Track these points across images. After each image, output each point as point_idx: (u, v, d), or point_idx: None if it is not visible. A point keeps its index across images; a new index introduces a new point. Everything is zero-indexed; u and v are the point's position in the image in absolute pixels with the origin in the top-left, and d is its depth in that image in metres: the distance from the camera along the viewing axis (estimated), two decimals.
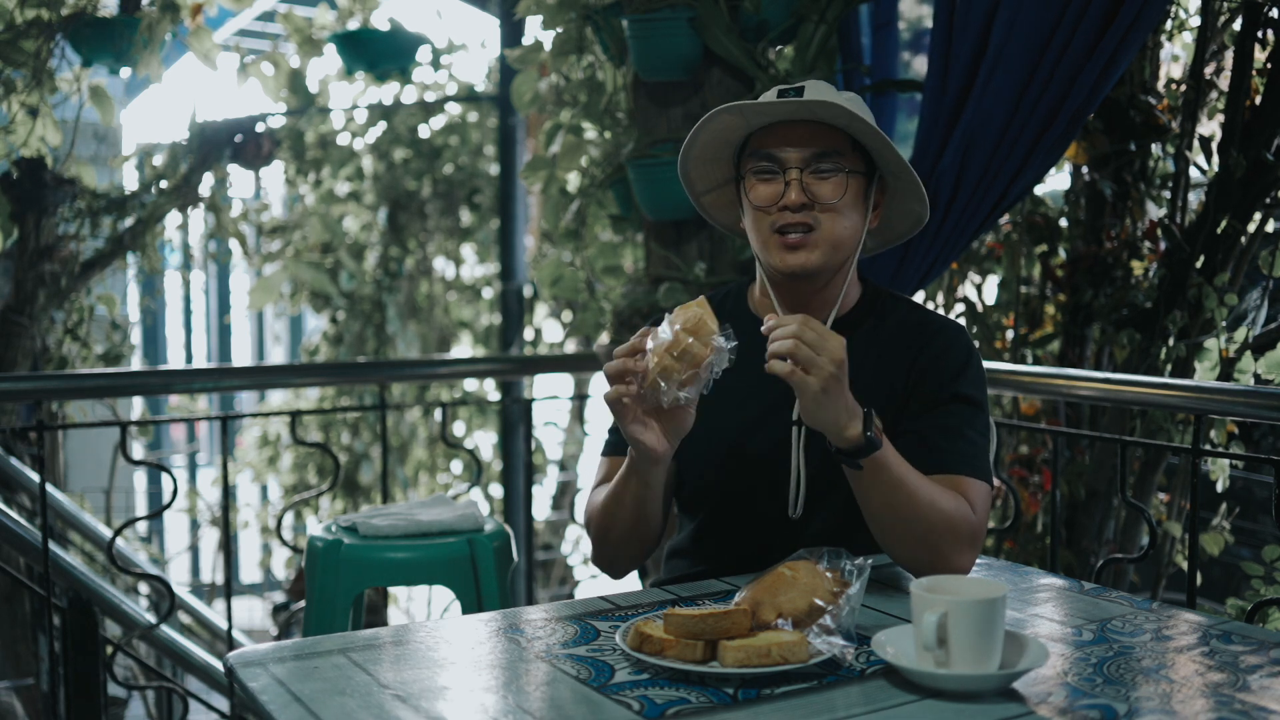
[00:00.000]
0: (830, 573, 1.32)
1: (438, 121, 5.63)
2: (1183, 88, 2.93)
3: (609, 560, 1.66)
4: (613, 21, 2.81)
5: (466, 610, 2.09)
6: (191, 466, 7.65)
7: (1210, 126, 2.90)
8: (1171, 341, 2.79)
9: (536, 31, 3.43)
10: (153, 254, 4.06)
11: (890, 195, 1.66)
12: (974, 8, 2.47)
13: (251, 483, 5.93)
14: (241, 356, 8.18)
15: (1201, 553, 2.82)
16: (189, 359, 7.63)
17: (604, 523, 1.61)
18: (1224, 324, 2.69)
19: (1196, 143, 2.84)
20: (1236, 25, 2.76)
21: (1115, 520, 2.95)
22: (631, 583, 3.78)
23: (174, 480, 2.73)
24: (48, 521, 2.88)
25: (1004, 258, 3.21)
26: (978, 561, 1.71)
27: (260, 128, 4.25)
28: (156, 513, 2.97)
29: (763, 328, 1.39)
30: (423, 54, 4.72)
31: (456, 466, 5.72)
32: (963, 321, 3.24)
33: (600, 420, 5.82)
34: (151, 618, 3.12)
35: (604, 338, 2.96)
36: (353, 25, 4.98)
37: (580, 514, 5.35)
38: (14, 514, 3.01)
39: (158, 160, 4.26)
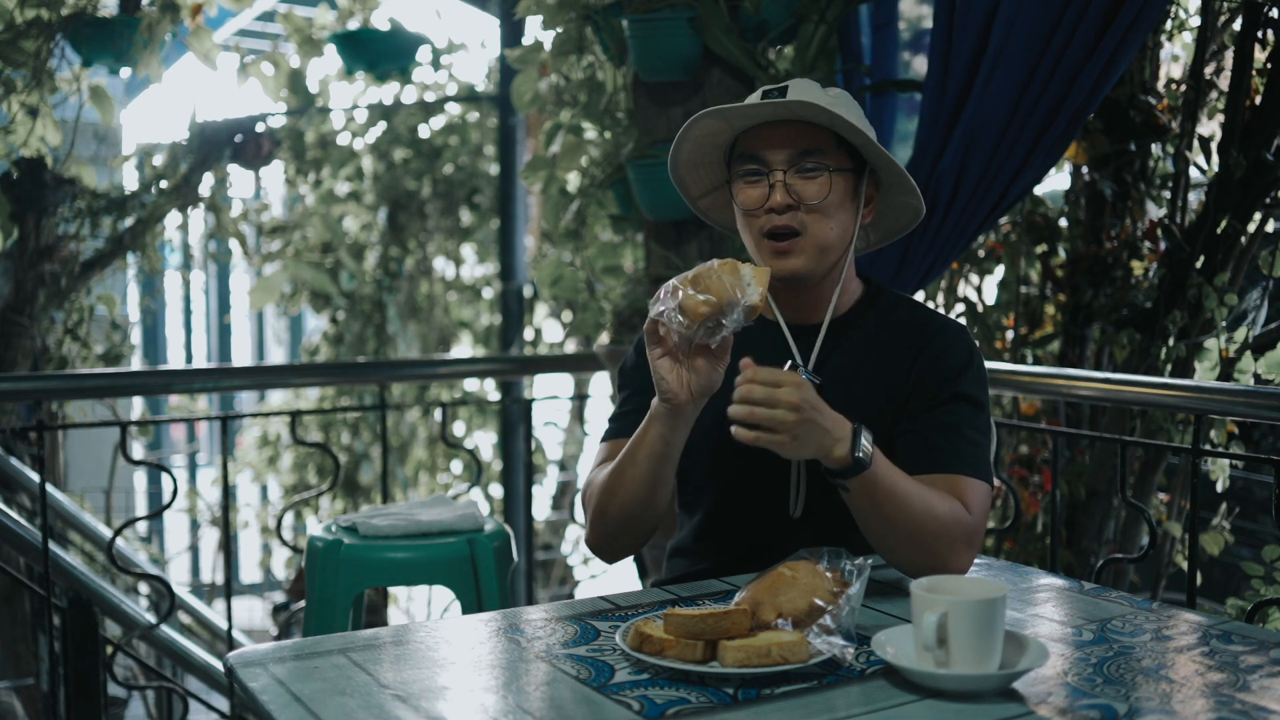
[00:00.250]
0: (830, 573, 1.32)
1: (438, 121, 5.63)
2: (1183, 88, 2.93)
3: (606, 537, 1.61)
4: (613, 21, 2.81)
5: (466, 610, 2.09)
6: (191, 466, 7.65)
7: (1210, 126, 2.90)
8: (1171, 341, 2.79)
9: (536, 31, 3.43)
10: (153, 254, 4.06)
11: (883, 190, 1.66)
12: (974, 8, 2.47)
13: (251, 483, 5.93)
14: (241, 356, 8.18)
15: (1201, 553, 2.82)
16: (189, 359, 7.63)
17: (608, 493, 1.56)
18: (1224, 324, 2.69)
19: (1196, 143, 2.84)
20: (1236, 25, 2.76)
21: (1115, 520, 2.95)
22: (631, 583, 3.78)
23: (174, 480, 2.73)
24: (48, 521, 2.88)
25: (1004, 258, 3.21)
26: (977, 561, 1.71)
27: (260, 128, 4.26)
28: (156, 513, 2.97)
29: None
30: (423, 54, 4.72)
31: (456, 466, 5.72)
32: (963, 321, 3.24)
33: (601, 419, 5.83)
34: (151, 618, 3.12)
35: (604, 338, 2.96)
36: (353, 25, 4.98)
37: (580, 514, 5.37)
38: (14, 514, 3.01)
39: (158, 160, 4.26)
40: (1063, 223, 3.15)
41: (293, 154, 5.43)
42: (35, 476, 3.33)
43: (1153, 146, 2.98)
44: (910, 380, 1.60)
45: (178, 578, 6.41)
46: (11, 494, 3.58)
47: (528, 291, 5.29)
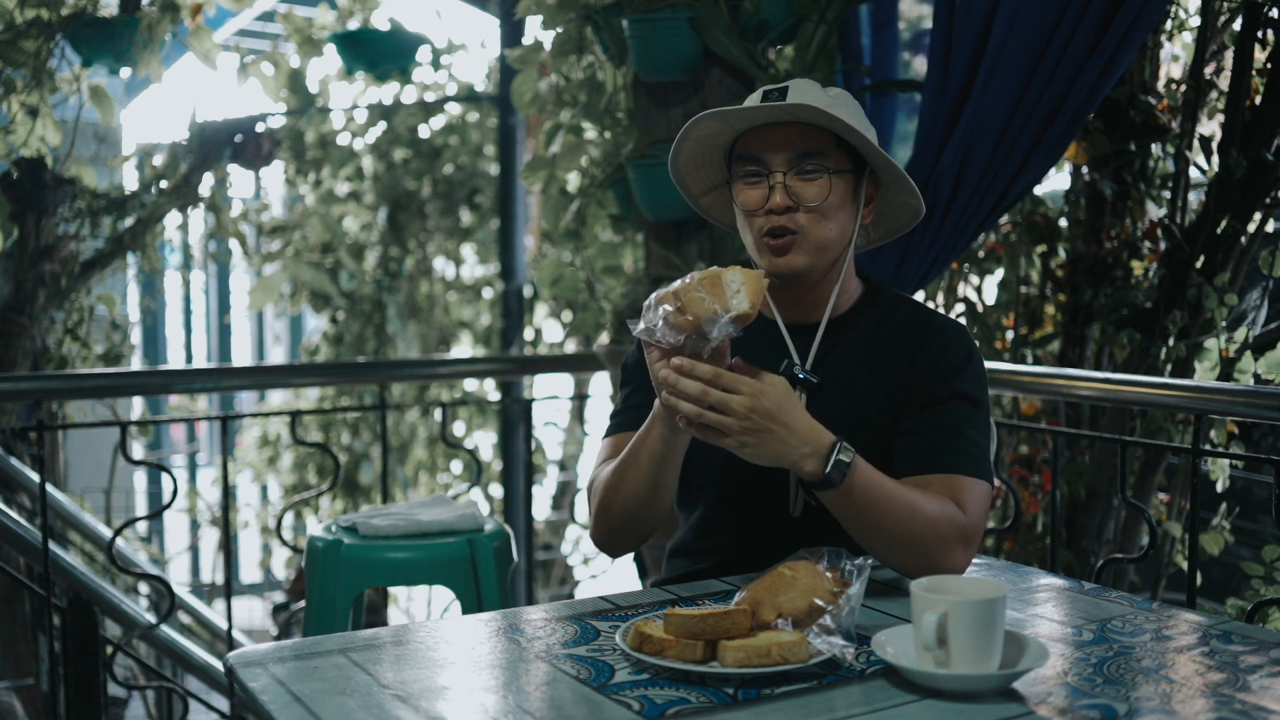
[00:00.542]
0: (830, 573, 1.32)
1: (438, 121, 5.63)
2: (1183, 88, 2.93)
3: (610, 533, 1.61)
4: (613, 21, 2.81)
5: (466, 610, 2.09)
6: (191, 466, 7.64)
7: (1210, 126, 2.90)
8: (1171, 341, 2.79)
9: (536, 31, 3.43)
10: (153, 254, 4.06)
11: (883, 189, 1.66)
12: (974, 8, 2.47)
13: (251, 483, 5.93)
14: (241, 356, 8.17)
15: (1201, 553, 2.82)
16: (189, 359, 7.62)
17: (611, 490, 1.57)
18: (1224, 324, 2.69)
19: (1196, 143, 2.84)
20: (1236, 25, 2.76)
21: (1115, 520, 2.95)
22: (631, 582, 3.78)
23: (174, 480, 2.73)
24: (48, 521, 2.88)
25: (1004, 258, 3.21)
26: (977, 561, 1.71)
27: (260, 128, 4.26)
28: (156, 513, 2.97)
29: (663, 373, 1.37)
30: (423, 54, 4.72)
31: (456, 466, 5.71)
32: (963, 321, 3.24)
33: (601, 419, 5.83)
34: (151, 618, 3.12)
35: (604, 338, 2.96)
36: (353, 25, 4.98)
37: (580, 514, 5.36)
38: (14, 514, 3.01)
39: (158, 160, 4.26)
40: (1063, 223, 3.15)
41: (293, 154, 5.43)
42: (35, 476, 3.33)
43: (1153, 146, 2.98)
44: (909, 379, 1.60)
45: (178, 578, 6.41)
46: (11, 494, 3.58)
47: (528, 291, 5.29)
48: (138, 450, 5.87)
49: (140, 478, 6.52)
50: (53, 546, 2.85)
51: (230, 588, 3.09)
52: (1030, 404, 3.15)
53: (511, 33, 4.73)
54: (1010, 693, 1.16)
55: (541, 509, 5.61)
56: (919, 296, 2.95)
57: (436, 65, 5.37)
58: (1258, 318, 2.84)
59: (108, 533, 3.60)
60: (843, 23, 2.84)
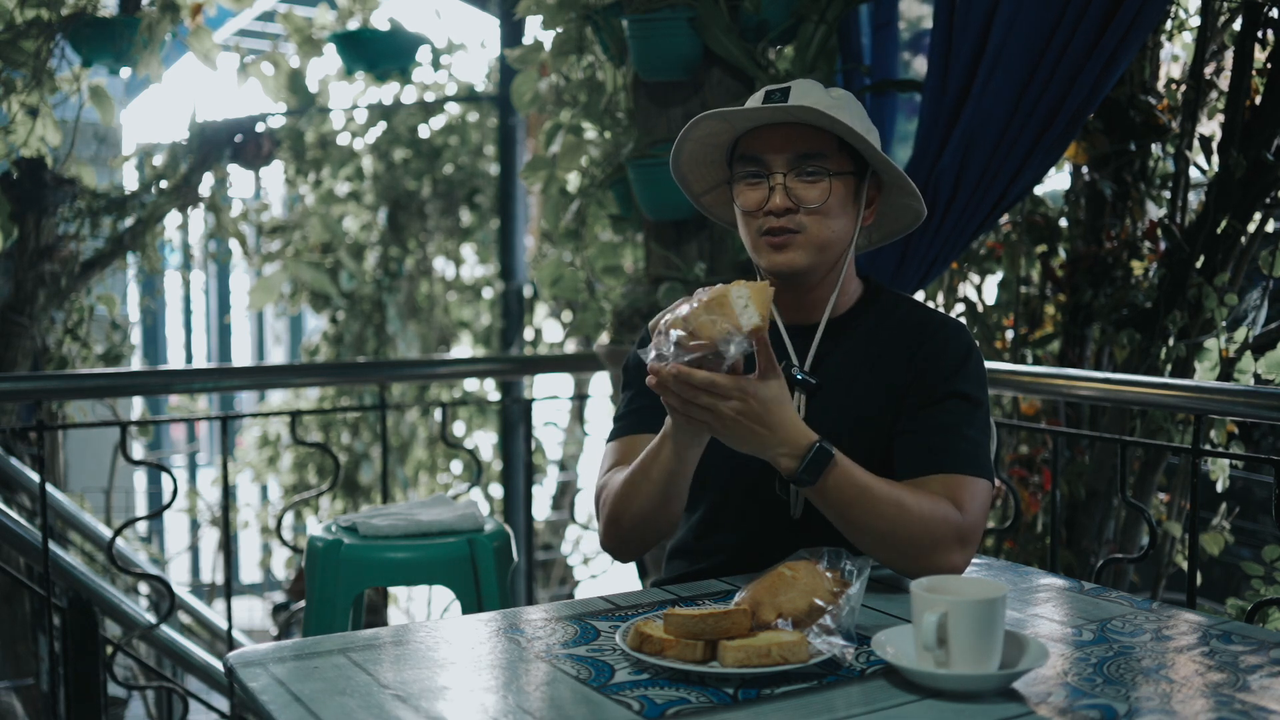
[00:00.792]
0: (830, 573, 1.32)
1: (438, 121, 5.63)
2: (1183, 88, 2.93)
3: (620, 542, 1.61)
4: (613, 21, 2.81)
5: (466, 610, 2.09)
6: (191, 466, 7.64)
7: (1210, 126, 2.90)
8: (1171, 341, 2.79)
9: (536, 31, 3.43)
10: (153, 254, 4.06)
11: (885, 190, 1.66)
12: (974, 8, 2.47)
13: (251, 483, 5.92)
14: (241, 356, 8.17)
15: (1201, 553, 2.82)
16: (189, 359, 7.62)
17: (622, 501, 1.56)
18: (1224, 324, 2.69)
19: (1196, 143, 2.84)
20: (1236, 25, 2.76)
21: (1115, 520, 2.95)
22: (632, 582, 3.78)
23: (174, 480, 2.73)
24: (48, 521, 2.88)
25: (1004, 258, 3.21)
26: (977, 561, 1.71)
27: (260, 128, 4.26)
28: (156, 513, 2.97)
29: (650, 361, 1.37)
30: (423, 54, 4.72)
31: (456, 466, 5.71)
32: (963, 321, 3.23)
33: (601, 419, 5.83)
34: (151, 618, 3.12)
35: (604, 338, 2.96)
36: (353, 25, 4.98)
37: (580, 514, 5.36)
38: (14, 514, 3.01)
39: (158, 160, 4.26)
40: (1063, 223, 3.15)
41: (293, 154, 5.43)
42: (35, 476, 3.33)
43: (1153, 146, 2.98)
44: (909, 378, 1.60)
45: (178, 578, 6.41)
46: (11, 494, 3.59)
47: (528, 291, 5.29)
48: (138, 450, 5.87)
49: (140, 478, 6.52)
50: (53, 546, 2.85)
51: (230, 588, 3.09)
52: (1030, 404, 3.15)
53: (511, 33, 4.73)
54: (1010, 693, 1.16)
55: (541, 509, 5.61)
56: (919, 296, 2.95)
57: (436, 65, 5.37)
58: (1258, 318, 2.84)
59: (108, 533, 3.60)
60: (843, 23, 2.84)
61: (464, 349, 5.86)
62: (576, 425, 5.75)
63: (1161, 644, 1.31)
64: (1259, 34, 2.67)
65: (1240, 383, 2.68)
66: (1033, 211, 3.15)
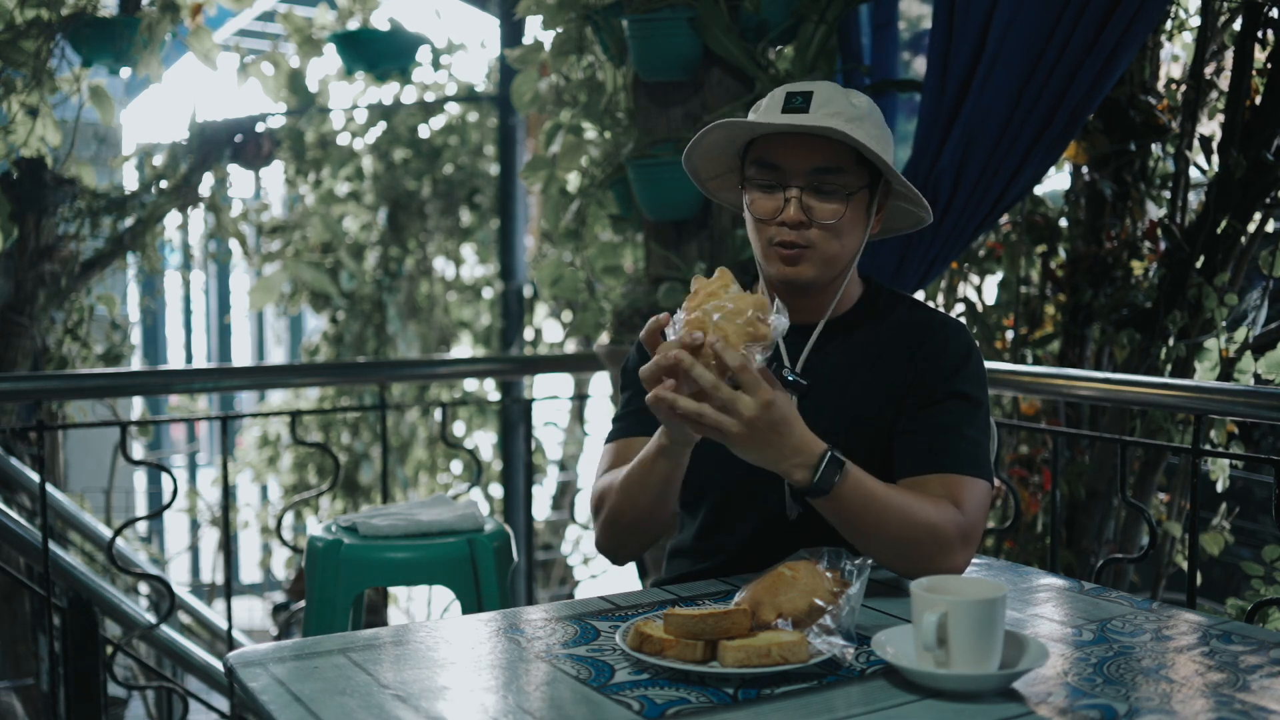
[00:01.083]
0: (830, 573, 1.32)
1: (438, 121, 5.63)
2: (1183, 88, 2.93)
3: (617, 543, 1.62)
4: (613, 21, 2.81)
5: (466, 610, 2.09)
6: (191, 466, 7.64)
7: (1210, 126, 2.90)
8: (1171, 341, 2.79)
9: (536, 31, 3.43)
10: (153, 254, 4.06)
11: (895, 195, 1.65)
12: (973, 7, 2.47)
13: (251, 483, 5.92)
14: (241, 356, 8.17)
15: (1201, 553, 2.82)
16: (189, 359, 7.62)
17: (620, 506, 1.57)
18: (1224, 324, 2.69)
19: (1196, 143, 2.84)
20: (1236, 25, 2.76)
21: (1115, 520, 2.95)
22: (632, 582, 3.78)
23: (174, 480, 2.73)
24: (48, 521, 2.88)
25: (1004, 258, 3.21)
26: (977, 561, 1.71)
27: (260, 128, 4.26)
28: (156, 513, 2.97)
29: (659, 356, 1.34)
30: (423, 54, 4.72)
31: (456, 466, 5.71)
32: (963, 321, 3.23)
33: (601, 419, 5.83)
34: (151, 618, 3.12)
35: (604, 338, 2.96)
36: (353, 25, 4.98)
37: (580, 514, 5.36)
38: (14, 514, 3.01)
39: (158, 160, 4.26)
40: (1063, 223, 3.15)
41: (293, 154, 5.43)
42: (35, 476, 3.33)
43: (1153, 146, 2.98)
44: (909, 378, 1.60)
45: (178, 578, 6.41)
46: (11, 494, 3.59)
47: (528, 291, 5.29)
48: (138, 450, 5.87)
49: (140, 478, 6.52)
50: (53, 546, 2.85)
51: (230, 588, 3.09)
52: (1030, 404, 3.15)
53: (511, 33, 4.73)
54: (1010, 693, 1.16)
55: (541, 509, 5.61)
56: (919, 296, 2.95)
57: (436, 65, 5.37)
58: (1258, 318, 2.84)
59: (108, 533, 3.60)
60: (843, 23, 2.84)
61: (464, 349, 5.86)
62: (576, 425, 5.75)
63: (1161, 644, 1.31)
64: (1259, 34, 2.67)
65: (1240, 383, 2.68)
66: (1033, 211, 3.15)
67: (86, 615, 2.68)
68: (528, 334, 5.51)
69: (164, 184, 4.10)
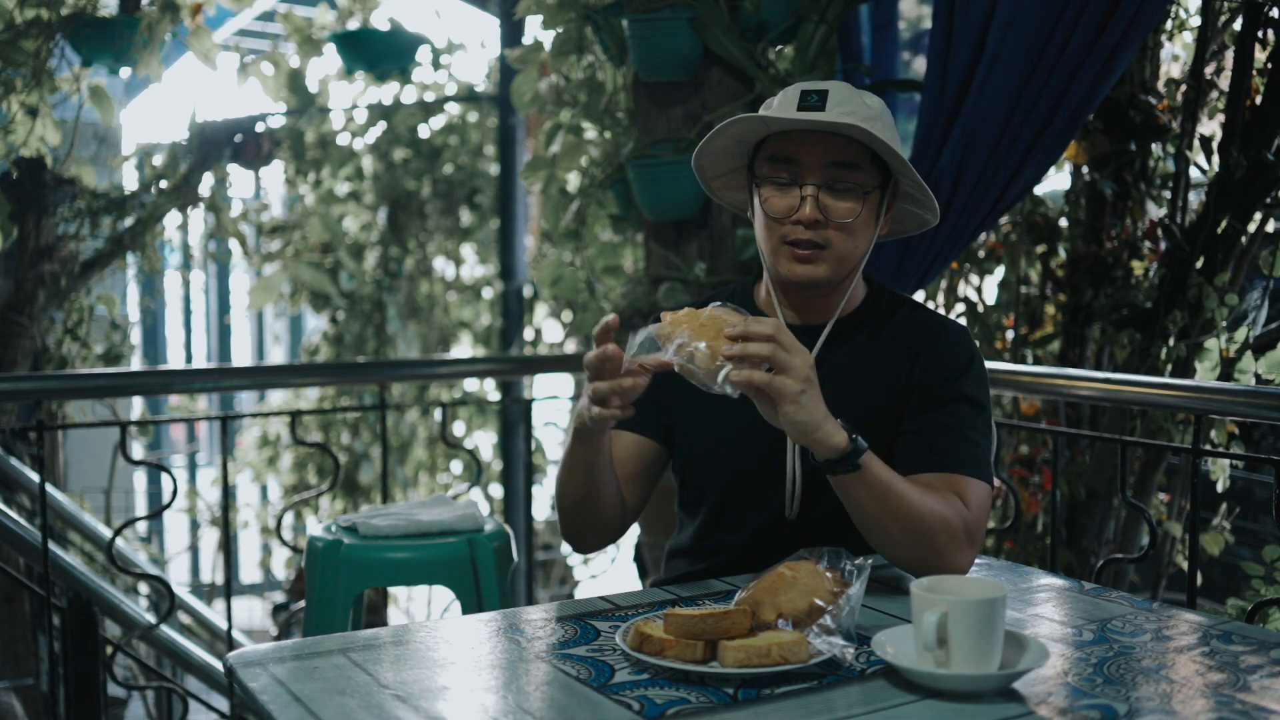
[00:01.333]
0: (830, 573, 1.32)
1: (438, 121, 5.63)
2: (1183, 88, 2.93)
3: (571, 530, 1.65)
4: (613, 21, 2.81)
5: (466, 610, 2.09)
6: (191, 466, 7.64)
7: (1210, 126, 2.90)
8: (1171, 341, 2.79)
9: (536, 31, 3.43)
10: (153, 254, 4.06)
11: (902, 198, 1.65)
12: (973, 7, 2.47)
13: (251, 483, 5.93)
14: (241, 356, 8.16)
15: (1201, 553, 2.82)
16: (189, 359, 7.62)
17: (558, 492, 1.61)
18: (1224, 324, 2.69)
19: (1196, 143, 2.84)
20: (1236, 25, 2.76)
21: (1115, 520, 2.95)
22: (631, 582, 3.78)
23: (174, 480, 2.73)
24: (48, 521, 2.88)
25: (1004, 258, 3.21)
26: (977, 561, 1.71)
27: (260, 128, 4.26)
28: (156, 513, 2.97)
29: (728, 331, 1.33)
30: (423, 54, 4.72)
31: (456, 466, 5.71)
32: (963, 321, 3.24)
33: None
34: (151, 618, 3.12)
35: None
36: (353, 25, 4.98)
37: None
38: (14, 514, 3.01)
39: (158, 160, 4.26)
40: (1063, 223, 3.15)
41: (293, 154, 5.43)
42: (35, 476, 3.33)
43: (1153, 146, 2.98)
44: (912, 381, 1.60)
45: (178, 578, 6.41)
46: (11, 494, 3.59)
47: (528, 291, 5.29)
48: (138, 450, 5.87)
49: (140, 478, 6.52)
50: (52, 546, 2.85)
51: (230, 588, 3.09)
52: (1030, 404, 3.15)
53: (511, 33, 4.73)
54: (1010, 693, 1.16)
55: (541, 509, 5.60)
56: (919, 296, 2.95)
57: (436, 65, 5.37)
58: (1258, 318, 2.84)
59: (107, 533, 3.60)
60: (843, 23, 2.84)
61: (464, 349, 5.86)
62: None
63: (1161, 644, 1.31)
64: (1259, 34, 2.67)
65: (1240, 383, 2.68)
66: (1033, 211, 3.15)
67: (86, 615, 2.68)
68: (528, 334, 5.51)
69: (164, 184, 4.10)
